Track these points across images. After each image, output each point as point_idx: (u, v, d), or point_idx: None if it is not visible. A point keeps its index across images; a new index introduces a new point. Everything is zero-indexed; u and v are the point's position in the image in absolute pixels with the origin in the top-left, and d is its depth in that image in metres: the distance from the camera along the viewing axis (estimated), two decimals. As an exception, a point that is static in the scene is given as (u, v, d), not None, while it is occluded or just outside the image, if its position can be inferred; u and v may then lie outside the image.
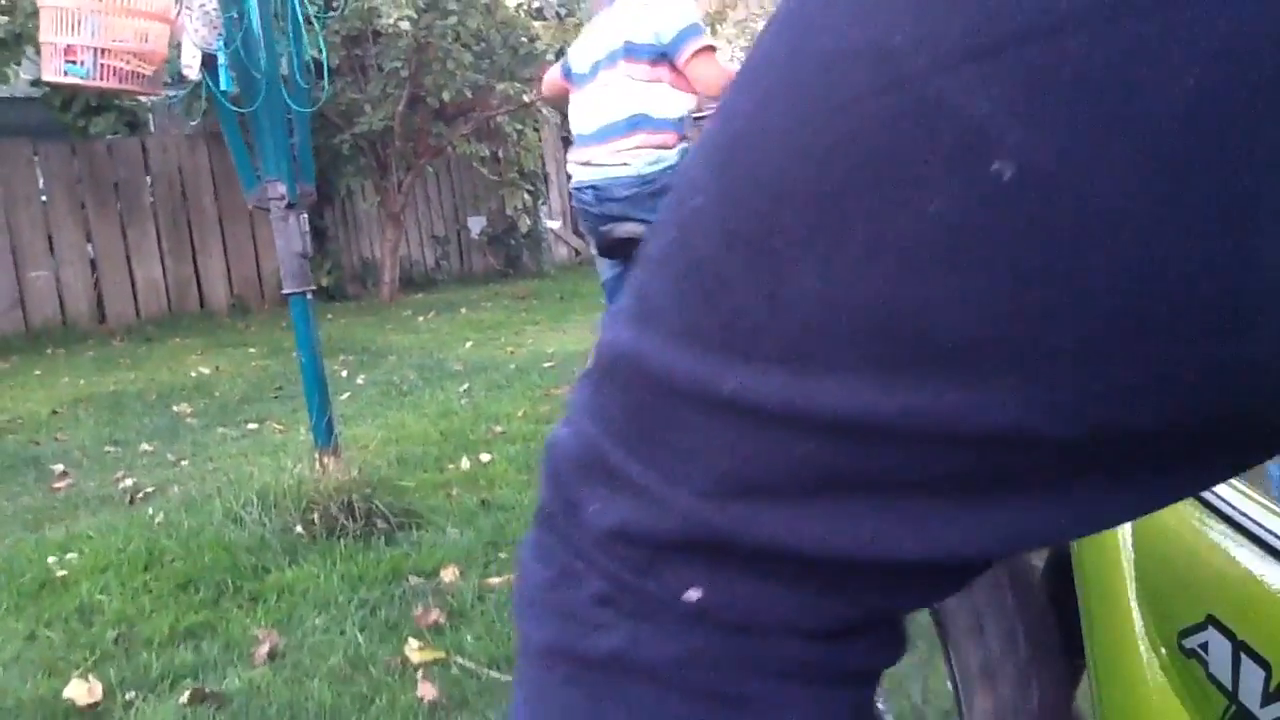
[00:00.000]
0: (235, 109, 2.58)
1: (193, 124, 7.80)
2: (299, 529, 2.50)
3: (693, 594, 0.32)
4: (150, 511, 2.88)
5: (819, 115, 0.26)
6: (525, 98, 7.73)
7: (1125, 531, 0.66)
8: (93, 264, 7.71)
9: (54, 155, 7.57)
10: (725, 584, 0.32)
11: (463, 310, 7.67)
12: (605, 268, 3.00)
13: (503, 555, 2.41)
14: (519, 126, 8.42)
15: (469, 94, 7.51)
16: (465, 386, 4.47)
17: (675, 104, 2.75)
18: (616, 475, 0.32)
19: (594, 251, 3.07)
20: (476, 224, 10.20)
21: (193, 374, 5.44)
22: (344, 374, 5.12)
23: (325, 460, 2.65)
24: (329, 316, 7.71)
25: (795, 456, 0.29)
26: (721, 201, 0.29)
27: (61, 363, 6.15)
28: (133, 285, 7.87)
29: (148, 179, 8.04)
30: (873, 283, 0.26)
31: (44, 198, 7.50)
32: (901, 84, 0.24)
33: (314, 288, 2.70)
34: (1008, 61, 0.23)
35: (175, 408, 4.51)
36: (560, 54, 5.96)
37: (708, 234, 0.29)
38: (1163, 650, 0.55)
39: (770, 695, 0.32)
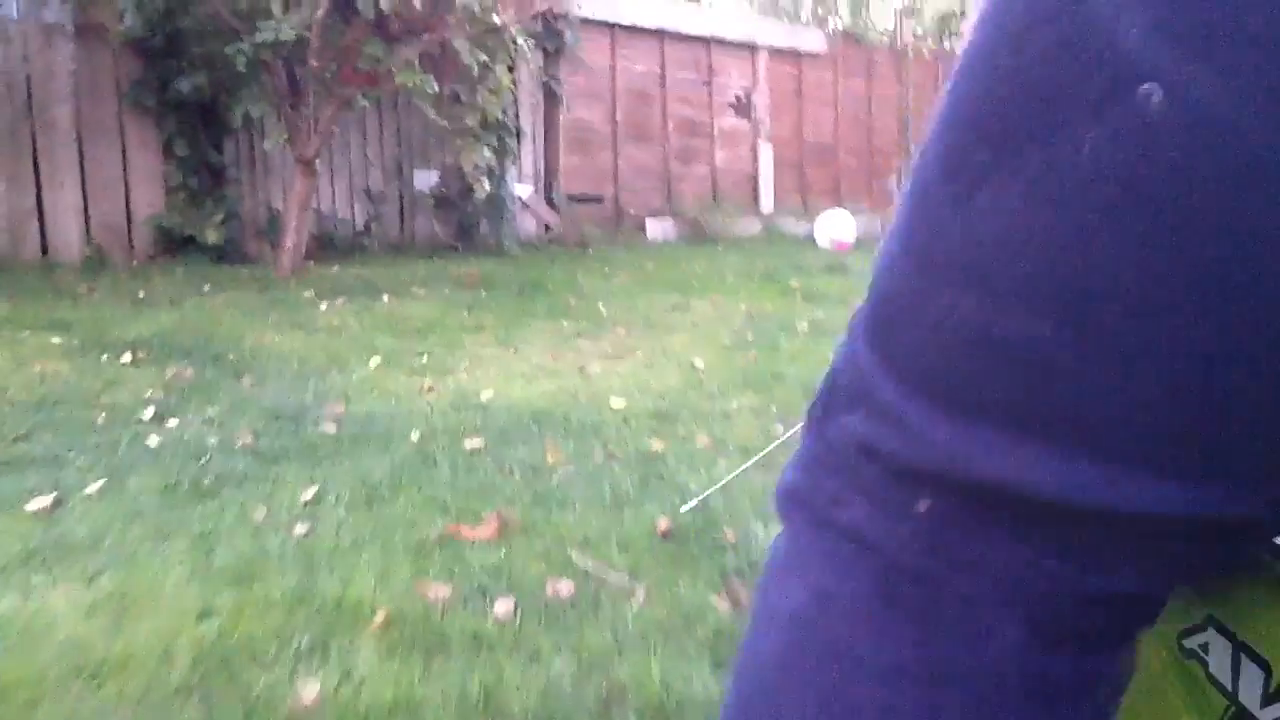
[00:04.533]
0: None
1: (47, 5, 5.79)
2: None
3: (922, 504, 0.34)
4: None
5: (998, 49, 0.28)
6: (495, 18, 5.70)
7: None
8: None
9: None
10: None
11: (385, 298, 5.70)
12: None
13: None
14: (483, 59, 6.31)
15: (417, 5, 5.46)
16: (315, 490, 2.49)
17: None
18: (878, 402, 0.35)
19: None
20: (425, 180, 8.16)
21: (-86, 384, 3.44)
22: (147, 414, 3.15)
23: None
24: (205, 289, 5.71)
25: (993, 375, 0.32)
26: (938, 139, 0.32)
27: None
28: (-57, 219, 5.83)
29: (-22, 77, 6.02)
30: (1033, 242, 0.28)
31: None
32: (1060, 13, 0.26)
33: None
34: None
35: None
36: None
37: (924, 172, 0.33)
38: (1163, 651, 0.54)
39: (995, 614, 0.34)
